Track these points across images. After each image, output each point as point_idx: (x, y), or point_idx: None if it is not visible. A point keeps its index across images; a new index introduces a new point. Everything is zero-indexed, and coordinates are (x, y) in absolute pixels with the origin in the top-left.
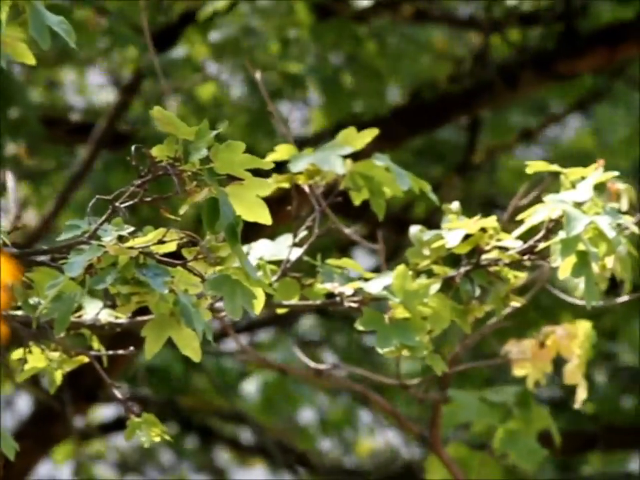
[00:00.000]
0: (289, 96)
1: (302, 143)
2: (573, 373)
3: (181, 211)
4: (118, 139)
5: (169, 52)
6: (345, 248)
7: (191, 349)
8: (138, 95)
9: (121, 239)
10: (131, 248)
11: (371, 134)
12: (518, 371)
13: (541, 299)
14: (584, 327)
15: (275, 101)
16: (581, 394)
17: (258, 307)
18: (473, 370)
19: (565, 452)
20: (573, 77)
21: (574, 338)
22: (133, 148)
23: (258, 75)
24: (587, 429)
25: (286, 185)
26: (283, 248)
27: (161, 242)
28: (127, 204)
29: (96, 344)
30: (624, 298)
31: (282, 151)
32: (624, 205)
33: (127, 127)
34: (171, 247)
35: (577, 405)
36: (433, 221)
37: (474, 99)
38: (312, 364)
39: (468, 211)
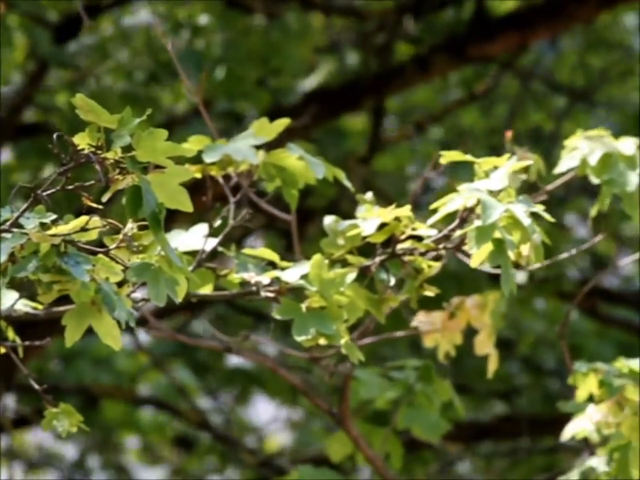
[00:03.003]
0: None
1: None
2: (484, 342)
3: (104, 199)
4: (23, 130)
5: (74, 41)
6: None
7: (112, 337)
8: (42, 85)
9: (43, 226)
10: (54, 235)
11: (283, 124)
12: (428, 343)
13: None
14: (494, 297)
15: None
16: (492, 364)
17: (181, 293)
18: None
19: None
20: (484, 61)
21: (484, 308)
22: (54, 136)
23: (169, 45)
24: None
25: (198, 175)
26: (198, 238)
27: (83, 230)
28: (49, 192)
29: (11, 334)
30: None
31: (196, 141)
32: (532, 175)
33: (33, 118)
34: (93, 235)
35: (490, 375)
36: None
37: (385, 83)
38: (222, 337)
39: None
